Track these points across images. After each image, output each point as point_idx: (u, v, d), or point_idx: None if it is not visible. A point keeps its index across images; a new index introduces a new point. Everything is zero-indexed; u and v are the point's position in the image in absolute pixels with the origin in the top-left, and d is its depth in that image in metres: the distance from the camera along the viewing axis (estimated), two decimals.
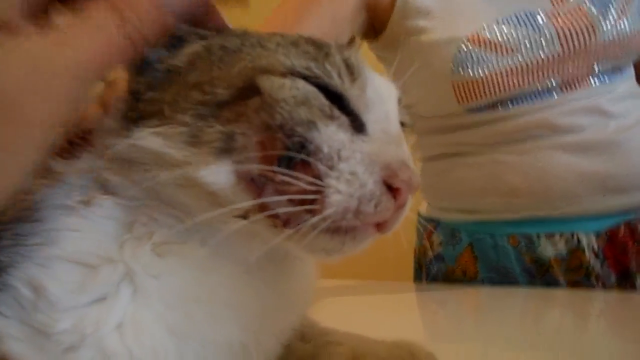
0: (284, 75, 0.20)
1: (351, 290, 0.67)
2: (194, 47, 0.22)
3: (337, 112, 0.20)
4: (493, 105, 0.60)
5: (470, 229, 0.65)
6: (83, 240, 0.19)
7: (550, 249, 0.60)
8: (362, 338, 0.26)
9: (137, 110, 0.20)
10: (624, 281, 0.58)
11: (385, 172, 0.20)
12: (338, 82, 0.21)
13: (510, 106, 0.60)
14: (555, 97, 0.59)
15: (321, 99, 0.20)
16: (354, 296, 0.63)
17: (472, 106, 0.61)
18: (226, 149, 0.19)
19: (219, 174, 0.19)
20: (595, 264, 0.58)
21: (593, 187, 0.58)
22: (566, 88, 0.59)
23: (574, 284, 0.59)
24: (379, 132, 0.21)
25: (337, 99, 0.21)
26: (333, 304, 0.51)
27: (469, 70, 0.59)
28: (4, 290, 0.18)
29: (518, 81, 0.58)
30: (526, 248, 0.61)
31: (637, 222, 0.59)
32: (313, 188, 0.18)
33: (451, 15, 0.61)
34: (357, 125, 0.21)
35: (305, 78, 0.20)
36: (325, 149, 0.19)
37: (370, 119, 0.21)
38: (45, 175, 0.20)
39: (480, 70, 0.58)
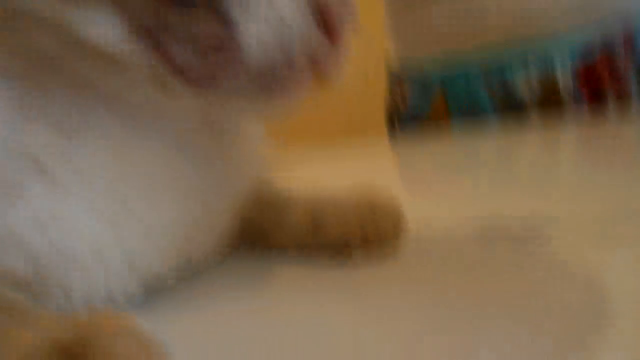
0: None
1: (325, 153, 0.67)
2: None
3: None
4: None
5: (438, 76, 0.63)
6: None
7: (521, 79, 0.58)
8: (321, 195, 0.25)
9: None
10: (597, 108, 0.57)
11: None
12: None
13: None
14: None
15: None
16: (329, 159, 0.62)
17: None
18: None
19: (105, 27, 0.15)
20: (567, 94, 0.57)
21: (559, 8, 0.54)
22: None
23: (546, 113, 0.58)
24: None
25: None
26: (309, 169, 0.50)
27: None
28: None
29: None
30: (499, 82, 0.59)
31: (612, 46, 0.56)
32: (222, 30, 0.15)
33: None
34: None
35: None
36: None
37: None
38: None
39: None
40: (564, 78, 0.57)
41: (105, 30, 0.15)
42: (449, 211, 0.30)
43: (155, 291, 0.20)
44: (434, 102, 0.64)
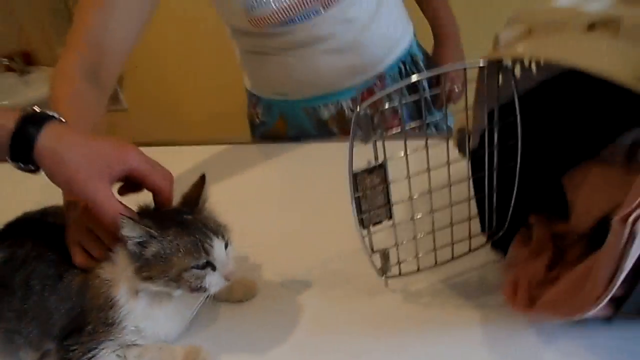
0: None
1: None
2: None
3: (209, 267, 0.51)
4: (281, 24, 0.85)
5: (280, 105, 0.98)
6: None
7: (326, 113, 0.97)
8: None
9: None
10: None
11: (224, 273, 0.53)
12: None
13: (289, 24, 0.85)
14: (320, 14, 0.85)
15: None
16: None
17: (263, 30, 0.85)
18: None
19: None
20: (349, 115, 0.97)
21: (347, 74, 0.91)
22: (324, 8, 0.84)
23: (342, 129, 0.98)
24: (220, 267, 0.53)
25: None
26: None
27: (257, 10, 0.80)
28: None
29: (292, 11, 0.82)
30: (314, 114, 0.97)
31: (373, 86, 0.95)
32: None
33: None
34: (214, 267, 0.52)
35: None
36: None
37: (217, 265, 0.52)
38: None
39: (268, 8, 0.80)
40: (348, 109, 0.96)
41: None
42: None
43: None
44: (276, 120, 1.01)
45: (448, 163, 0.52)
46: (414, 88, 0.51)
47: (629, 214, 0.34)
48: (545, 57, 0.47)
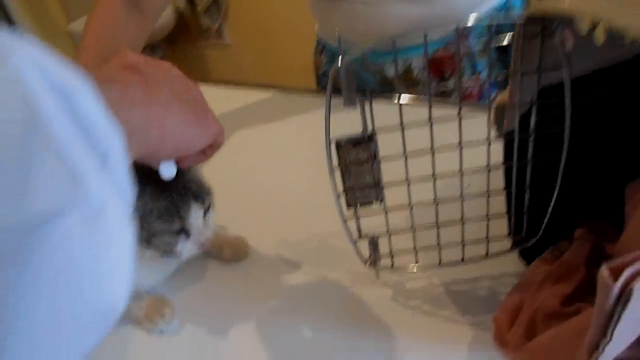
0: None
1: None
2: None
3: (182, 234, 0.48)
4: None
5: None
6: None
7: (392, 70, 0.86)
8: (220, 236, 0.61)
9: None
10: (442, 81, 0.86)
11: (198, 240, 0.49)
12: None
13: None
14: None
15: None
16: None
17: None
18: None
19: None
20: (421, 79, 0.85)
21: (420, 27, 0.79)
22: None
23: (410, 92, 0.87)
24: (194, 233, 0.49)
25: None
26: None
27: None
28: None
29: None
30: (379, 70, 0.87)
31: (452, 45, 0.82)
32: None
33: None
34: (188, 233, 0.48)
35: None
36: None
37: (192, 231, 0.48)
38: None
39: None
40: (418, 67, 0.84)
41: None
42: None
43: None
44: None
45: (460, 144, 0.41)
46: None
47: (622, 267, 0.22)
48: (607, 19, 0.33)
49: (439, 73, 0.86)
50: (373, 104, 0.40)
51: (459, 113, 0.40)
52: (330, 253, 0.55)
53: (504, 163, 0.45)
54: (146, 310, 0.50)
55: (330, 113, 0.40)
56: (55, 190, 0.18)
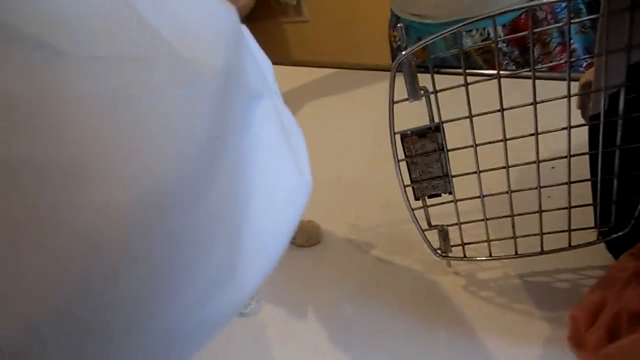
0: None
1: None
2: None
3: None
4: None
5: (417, 29, 0.86)
6: None
7: (470, 41, 0.81)
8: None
9: None
10: (524, 53, 0.80)
11: None
12: None
13: None
14: None
15: None
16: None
17: None
18: None
19: None
20: (502, 46, 0.80)
21: None
22: None
23: (488, 61, 0.82)
24: None
25: None
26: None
27: None
28: None
29: None
30: (453, 42, 0.83)
31: (536, 10, 0.76)
32: None
33: None
34: None
35: None
36: None
37: None
38: None
39: None
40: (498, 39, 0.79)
41: None
42: None
43: None
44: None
45: (536, 131, 0.39)
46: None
47: None
48: None
49: (521, 43, 0.80)
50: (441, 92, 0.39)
51: (534, 101, 0.38)
52: (402, 239, 0.54)
53: (588, 150, 0.41)
54: None
55: (395, 103, 0.39)
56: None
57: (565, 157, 0.39)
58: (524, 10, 0.75)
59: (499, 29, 0.78)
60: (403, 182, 0.43)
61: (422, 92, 0.38)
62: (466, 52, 0.84)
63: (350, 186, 0.66)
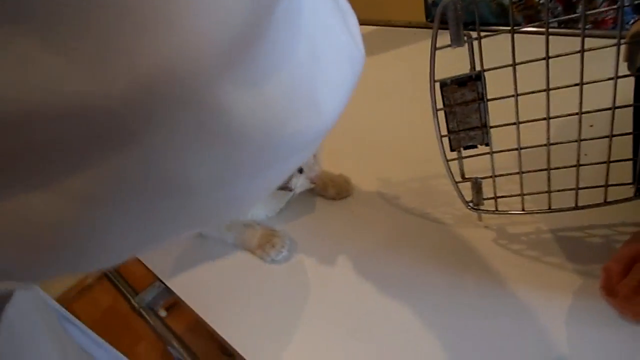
0: None
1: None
2: None
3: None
4: None
5: None
6: None
7: None
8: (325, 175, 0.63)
9: None
10: (568, 10, 0.77)
11: (309, 176, 0.52)
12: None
13: None
14: None
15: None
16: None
17: None
18: None
19: None
20: (544, 2, 0.77)
21: None
22: None
23: (529, 17, 0.80)
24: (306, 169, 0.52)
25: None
26: None
27: None
28: None
29: None
30: None
31: None
32: None
33: None
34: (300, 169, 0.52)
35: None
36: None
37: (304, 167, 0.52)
38: None
39: None
40: None
41: None
42: None
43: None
44: None
45: (581, 81, 0.38)
46: None
47: None
48: None
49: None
50: (482, 41, 0.38)
51: (582, 49, 0.37)
52: (433, 193, 0.55)
53: (634, 103, 0.40)
54: (259, 240, 0.55)
55: (437, 50, 0.39)
56: None
57: (609, 108, 0.39)
58: None
59: None
60: (440, 132, 0.42)
61: (465, 38, 0.38)
62: (506, 8, 0.82)
63: (381, 140, 0.66)
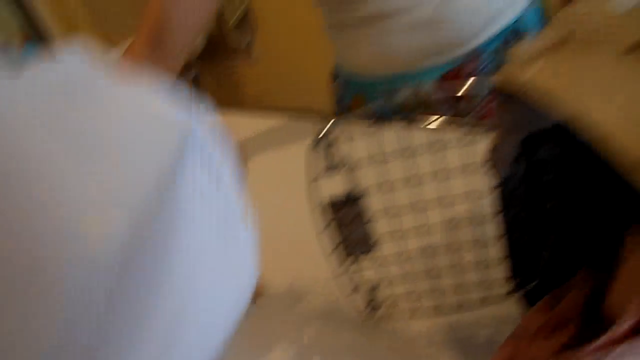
0: None
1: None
2: None
3: None
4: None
5: (356, 82, 0.91)
6: None
7: (403, 95, 0.86)
8: None
9: None
10: (455, 105, 0.86)
11: None
12: None
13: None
14: None
15: None
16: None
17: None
18: None
19: None
20: (434, 100, 0.85)
21: (427, 52, 0.79)
22: None
23: (423, 113, 0.87)
24: None
25: None
26: None
27: None
28: None
29: None
30: (390, 95, 0.88)
31: (461, 67, 0.82)
32: None
33: None
34: None
35: None
36: None
37: None
38: None
39: None
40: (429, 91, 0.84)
41: None
42: None
43: None
44: (352, 99, 0.94)
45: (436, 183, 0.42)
46: None
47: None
48: (545, 95, 0.32)
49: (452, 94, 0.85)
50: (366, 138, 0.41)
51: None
52: (329, 300, 0.56)
53: (498, 211, 0.45)
54: None
55: (314, 180, 0.41)
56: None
57: (490, 214, 0.43)
58: (450, 68, 0.81)
59: (430, 84, 0.83)
60: (329, 246, 0.45)
61: (341, 165, 0.41)
62: (401, 105, 0.89)
63: (292, 240, 0.67)
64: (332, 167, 0.40)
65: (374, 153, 0.42)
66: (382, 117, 0.90)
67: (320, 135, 0.39)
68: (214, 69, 2.30)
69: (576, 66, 0.30)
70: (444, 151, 0.42)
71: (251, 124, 0.99)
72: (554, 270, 0.45)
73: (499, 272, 0.47)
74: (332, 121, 0.41)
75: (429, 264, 0.46)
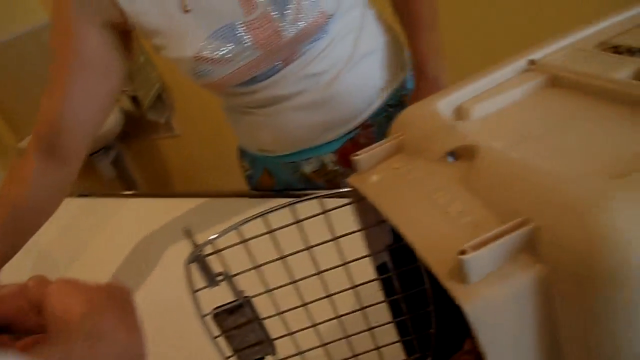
0: None
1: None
2: None
3: None
4: (240, 85, 0.79)
5: (262, 159, 0.93)
6: None
7: (308, 167, 0.90)
8: None
9: None
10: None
11: None
12: None
13: (250, 84, 0.79)
14: (279, 73, 0.78)
15: None
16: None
17: (223, 90, 0.81)
18: None
19: None
20: (338, 169, 0.89)
21: (322, 129, 0.84)
22: (284, 64, 0.77)
23: (329, 182, 0.91)
24: None
25: None
26: None
27: (206, 77, 0.76)
28: None
29: (242, 76, 0.76)
30: (296, 169, 0.91)
31: (357, 137, 0.86)
32: None
33: (176, 37, 0.73)
34: None
35: None
36: None
37: None
38: None
39: (214, 76, 0.75)
40: (331, 164, 0.88)
41: None
42: None
43: None
44: (262, 174, 0.96)
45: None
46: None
47: None
48: (377, 206, 0.34)
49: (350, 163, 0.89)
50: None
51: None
52: None
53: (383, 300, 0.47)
54: None
55: (195, 292, 0.42)
56: None
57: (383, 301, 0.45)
58: (347, 139, 0.86)
59: (331, 155, 0.87)
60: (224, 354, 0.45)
61: (220, 277, 0.42)
62: (308, 176, 0.93)
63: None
64: (211, 280, 0.41)
65: (246, 258, 0.43)
66: (291, 187, 0.93)
67: (195, 252, 0.40)
68: (136, 145, 2.28)
69: (399, 184, 0.33)
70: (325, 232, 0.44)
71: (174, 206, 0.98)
72: (443, 343, 0.47)
73: (395, 352, 0.49)
74: (209, 238, 0.42)
75: (328, 353, 0.47)
